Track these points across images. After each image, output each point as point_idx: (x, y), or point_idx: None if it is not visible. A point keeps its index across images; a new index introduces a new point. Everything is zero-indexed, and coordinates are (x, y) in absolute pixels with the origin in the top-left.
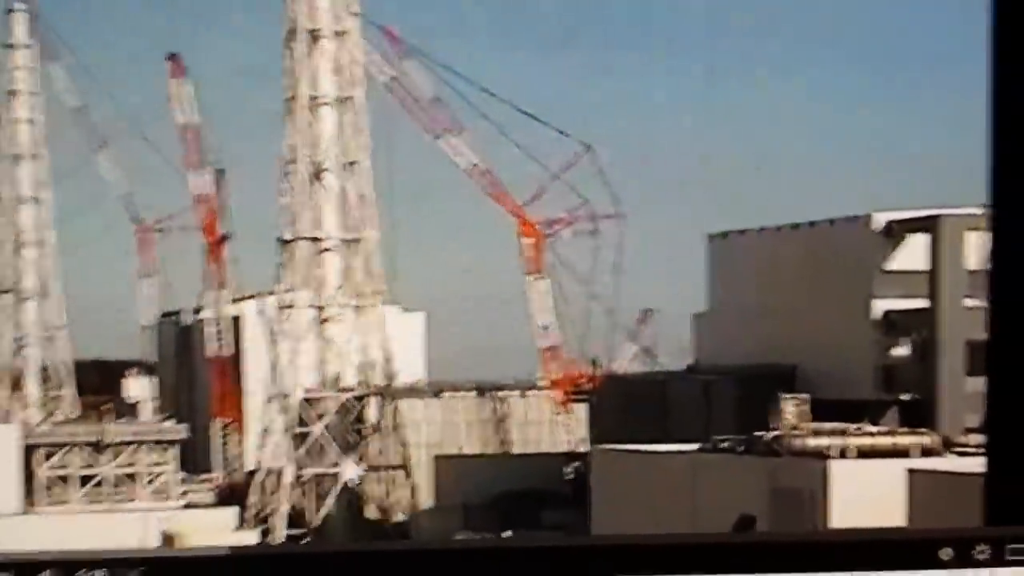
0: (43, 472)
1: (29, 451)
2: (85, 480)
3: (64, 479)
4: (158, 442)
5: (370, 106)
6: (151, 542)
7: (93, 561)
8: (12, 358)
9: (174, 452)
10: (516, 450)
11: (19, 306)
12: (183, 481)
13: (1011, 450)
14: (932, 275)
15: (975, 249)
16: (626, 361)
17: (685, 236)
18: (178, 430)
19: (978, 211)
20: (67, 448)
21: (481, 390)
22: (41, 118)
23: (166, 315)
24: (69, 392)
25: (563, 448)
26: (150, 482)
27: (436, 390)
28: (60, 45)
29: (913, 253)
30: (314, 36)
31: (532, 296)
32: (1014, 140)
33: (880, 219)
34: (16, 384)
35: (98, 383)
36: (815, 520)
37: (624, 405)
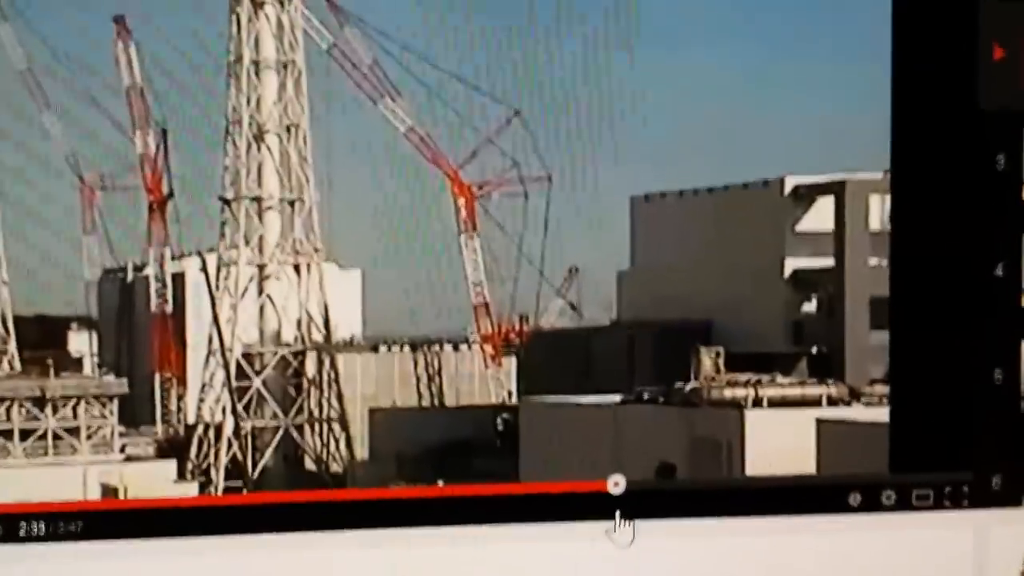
0: None
1: None
2: (27, 434)
3: (5, 433)
4: (99, 396)
5: (310, 71)
6: (92, 495)
7: (33, 514)
8: None
9: (114, 406)
10: (449, 403)
11: None
12: (124, 435)
13: (914, 400)
14: (837, 236)
15: (877, 211)
16: (553, 317)
17: (610, 198)
18: (120, 384)
19: (880, 175)
20: (9, 403)
21: (415, 345)
22: None
23: (108, 272)
24: (11, 347)
25: (494, 400)
26: (90, 436)
27: (372, 345)
28: (7, 7)
29: (821, 215)
30: (256, 3)
31: (465, 255)
32: (913, 108)
33: (790, 182)
34: None
35: (40, 338)
36: (732, 467)
37: (551, 358)
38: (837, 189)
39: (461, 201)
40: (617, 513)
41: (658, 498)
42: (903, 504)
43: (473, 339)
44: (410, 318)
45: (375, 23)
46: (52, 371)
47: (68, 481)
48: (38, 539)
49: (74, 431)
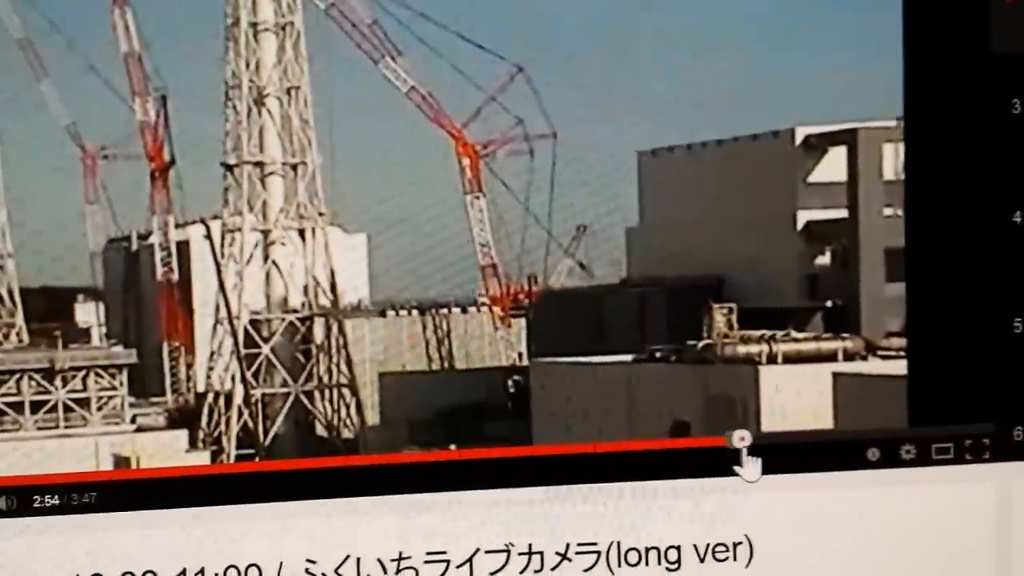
0: None
1: None
2: (37, 406)
3: (15, 405)
4: (108, 367)
5: (309, 32)
6: (104, 466)
7: (47, 486)
8: None
9: (123, 377)
10: (458, 366)
11: None
12: (134, 405)
13: (932, 352)
14: (850, 186)
15: (891, 160)
16: (562, 276)
17: (617, 153)
18: (128, 354)
19: (894, 123)
20: (18, 375)
21: (423, 308)
22: None
23: (113, 241)
24: (18, 320)
25: (504, 363)
26: (100, 407)
27: (380, 309)
28: None
29: (834, 165)
30: None
31: (471, 215)
32: (926, 53)
33: (801, 133)
34: None
35: (46, 310)
36: (747, 424)
37: (561, 319)
38: (849, 138)
39: (466, 161)
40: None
41: (670, 457)
42: (923, 458)
43: (482, 301)
44: (417, 281)
45: None
46: (60, 343)
47: (80, 452)
48: (52, 511)
49: (84, 402)
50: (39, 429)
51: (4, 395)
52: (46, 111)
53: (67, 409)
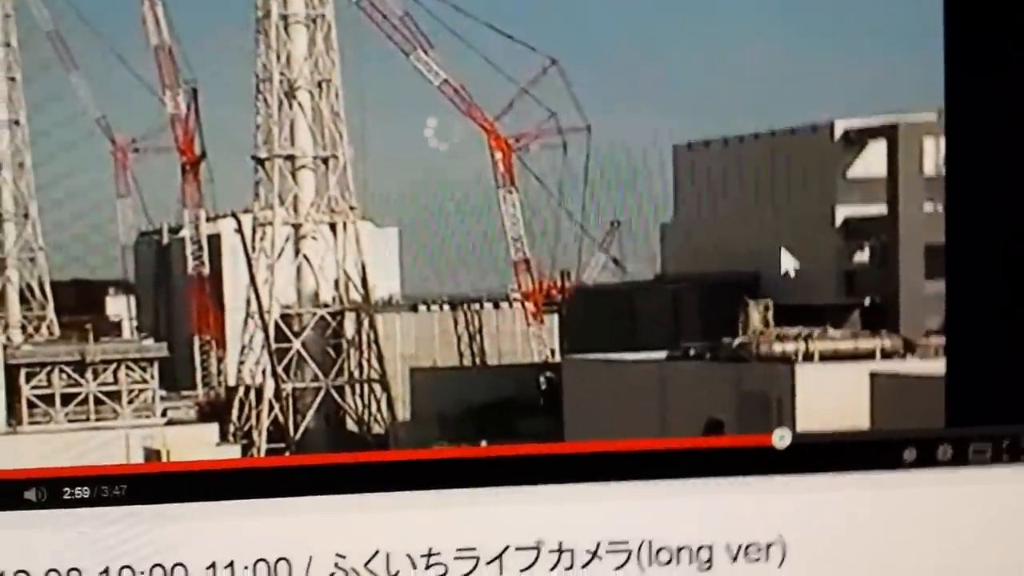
0: (26, 391)
1: (12, 371)
2: (68, 399)
3: (46, 398)
4: (139, 360)
5: (340, 24)
6: (135, 459)
7: (78, 478)
8: None
9: (154, 370)
10: (490, 362)
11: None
12: (164, 399)
13: (971, 351)
14: (890, 181)
15: (931, 155)
16: (595, 272)
17: (652, 147)
18: (159, 348)
19: (934, 117)
20: (49, 367)
21: (454, 304)
22: (15, 42)
23: (144, 235)
24: (49, 313)
25: (536, 359)
26: (131, 401)
27: (411, 304)
28: None
29: (872, 160)
30: None
31: (504, 210)
32: (968, 45)
33: (840, 126)
34: None
35: (77, 303)
36: (782, 423)
37: (594, 315)
38: (889, 133)
39: (498, 155)
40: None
41: (704, 456)
42: (960, 459)
43: (514, 296)
44: (449, 276)
45: None
46: (91, 336)
47: (111, 445)
48: (83, 503)
49: (115, 395)
50: (70, 421)
51: (35, 387)
52: (76, 104)
53: (98, 402)
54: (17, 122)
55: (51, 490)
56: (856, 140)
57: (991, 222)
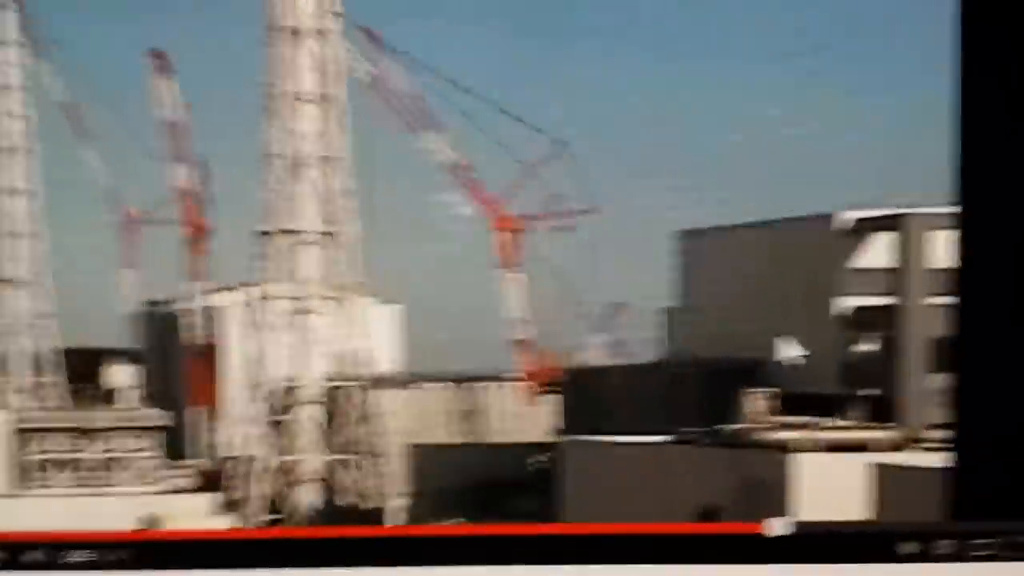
0: (31, 456)
1: (18, 435)
2: (70, 464)
3: (50, 463)
4: (141, 428)
5: (350, 103)
6: (132, 525)
7: (77, 543)
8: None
9: (157, 438)
10: (488, 439)
11: (11, 295)
12: (163, 467)
13: (975, 446)
14: (897, 273)
15: (938, 248)
16: (596, 353)
17: (654, 231)
18: (161, 416)
19: (941, 210)
20: (55, 433)
21: (456, 381)
22: (32, 113)
23: (148, 304)
24: (57, 379)
25: (535, 438)
26: (132, 467)
27: (412, 381)
28: (48, 42)
29: (878, 251)
30: (295, 33)
31: (507, 290)
32: (980, 140)
33: (846, 217)
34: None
35: (81, 370)
36: (782, 512)
37: (594, 396)
38: (898, 224)
39: (503, 235)
40: None
41: (698, 543)
42: (960, 555)
43: (514, 375)
44: (450, 353)
45: (416, 53)
46: (96, 403)
47: (110, 511)
48: (81, 567)
49: (116, 462)
50: (71, 486)
51: (41, 452)
52: (87, 175)
53: (100, 468)
54: (32, 192)
55: (50, 553)
56: (862, 230)
57: (1001, 317)
